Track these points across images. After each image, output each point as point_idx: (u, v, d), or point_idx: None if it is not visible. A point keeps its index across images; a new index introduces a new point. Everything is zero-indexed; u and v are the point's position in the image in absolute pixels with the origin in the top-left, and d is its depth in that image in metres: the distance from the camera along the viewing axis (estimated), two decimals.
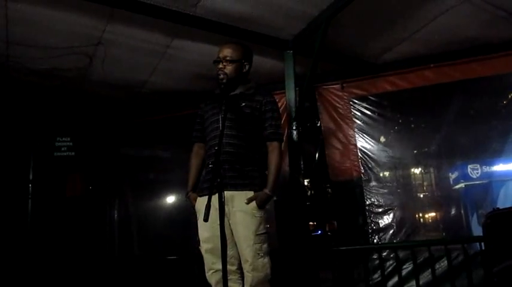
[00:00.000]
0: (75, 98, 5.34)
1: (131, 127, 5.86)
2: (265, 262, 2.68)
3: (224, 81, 2.77)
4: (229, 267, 2.60)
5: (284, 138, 3.20)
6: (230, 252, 2.67)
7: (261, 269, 2.66)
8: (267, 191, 2.72)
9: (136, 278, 5.01)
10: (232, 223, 2.70)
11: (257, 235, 2.67)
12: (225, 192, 2.57)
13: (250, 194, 2.71)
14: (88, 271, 5.13)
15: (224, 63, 2.82)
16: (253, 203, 2.69)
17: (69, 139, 5.57)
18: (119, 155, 5.99)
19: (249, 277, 2.67)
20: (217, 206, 2.41)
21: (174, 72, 4.86)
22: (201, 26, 3.93)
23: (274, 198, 2.83)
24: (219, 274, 2.68)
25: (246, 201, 2.68)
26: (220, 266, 2.55)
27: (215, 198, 2.41)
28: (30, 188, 5.45)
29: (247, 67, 2.89)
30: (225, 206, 2.57)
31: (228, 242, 2.65)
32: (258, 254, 2.66)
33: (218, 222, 2.41)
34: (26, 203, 5.40)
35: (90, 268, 5.16)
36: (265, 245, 2.70)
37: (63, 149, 5.55)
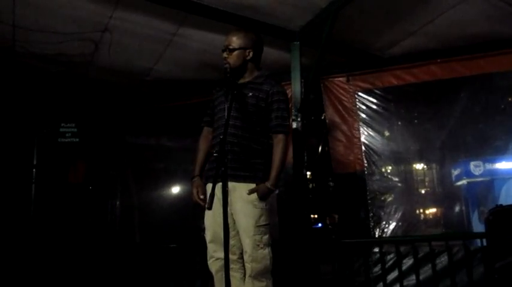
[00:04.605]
0: (80, 84, 5.33)
1: (136, 115, 5.86)
2: (265, 254, 2.66)
3: (228, 70, 2.77)
4: (230, 256, 2.58)
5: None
6: (232, 241, 2.65)
7: (260, 261, 2.65)
8: (268, 184, 2.69)
9: (137, 265, 5.04)
10: (234, 213, 2.70)
11: (257, 226, 2.67)
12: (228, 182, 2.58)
13: (252, 186, 2.69)
14: (89, 257, 5.16)
15: (228, 53, 2.82)
16: (255, 194, 2.68)
17: (73, 125, 5.57)
18: (123, 142, 6.00)
19: (248, 268, 2.67)
20: (220, 196, 2.40)
21: (180, 61, 4.84)
22: (207, 14, 3.92)
23: (276, 191, 2.79)
24: (220, 263, 2.69)
25: (247, 192, 2.67)
26: (221, 255, 2.58)
27: (219, 187, 2.40)
28: (34, 173, 5.47)
29: (250, 54, 2.83)
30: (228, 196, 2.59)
31: (230, 231, 2.64)
32: (258, 245, 2.65)
33: (220, 211, 2.41)
34: (30, 187, 5.43)
35: (92, 254, 5.19)
36: (265, 237, 2.69)
37: (67, 135, 5.55)
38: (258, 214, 2.68)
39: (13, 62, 4.78)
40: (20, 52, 4.58)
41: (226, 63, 2.79)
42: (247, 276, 2.69)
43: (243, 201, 2.68)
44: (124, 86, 5.49)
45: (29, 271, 4.92)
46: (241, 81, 2.84)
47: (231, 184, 2.59)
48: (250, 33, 2.90)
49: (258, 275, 2.66)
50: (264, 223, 2.70)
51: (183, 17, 4.00)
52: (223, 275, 2.64)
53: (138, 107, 5.83)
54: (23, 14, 3.95)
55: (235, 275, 2.71)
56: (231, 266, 2.63)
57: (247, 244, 2.67)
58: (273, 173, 2.71)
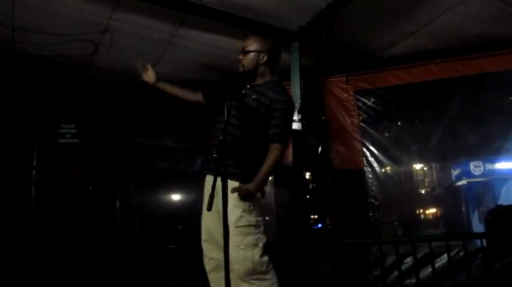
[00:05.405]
0: (80, 85, 5.34)
1: (135, 116, 5.86)
2: (246, 256, 2.60)
3: (240, 72, 2.80)
4: (221, 256, 2.57)
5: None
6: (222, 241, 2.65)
7: (241, 263, 2.60)
8: (249, 186, 2.65)
9: (137, 266, 5.03)
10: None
11: (237, 226, 2.62)
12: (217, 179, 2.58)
13: (237, 184, 2.67)
14: (88, 257, 5.15)
15: (243, 54, 2.84)
16: (236, 194, 2.65)
17: (73, 126, 5.58)
18: (122, 143, 6.01)
19: (232, 268, 2.61)
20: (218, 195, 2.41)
21: (180, 62, 4.84)
22: (207, 15, 3.91)
23: (258, 194, 2.71)
24: (214, 263, 2.71)
25: (230, 190, 2.61)
26: (214, 255, 2.65)
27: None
28: (33, 174, 5.47)
29: (265, 58, 2.83)
30: (218, 194, 2.59)
31: (220, 229, 2.54)
32: (238, 246, 2.60)
33: (215, 210, 2.44)
34: (30, 189, 5.43)
35: (91, 255, 5.19)
36: (249, 238, 2.63)
37: (67, 136, 5.57)
38: (237, 214, 2.64)
39: (13, 63, 4.79)
40: (19, 53, 4.59)
41: (241, 65, 2.83)
42: (235, 276, 2.65)
43: (228, 198, 2.66)
44: (124, 87, 5.49)
45: (29, 271, 4.92)
46: (252, 83, 2.84)
47: (218, 180, 2.55)
48: (267, 39, 2.94)
49: (241, 277, 2.62)
50: (245, 224, 2.64)
51: (183, 18, 4.00)
52: (217, 276, 2.65)
53: (138, 108, 5.83)
54: (22, 16, 3.95)
55: (230, 276, 2.69)
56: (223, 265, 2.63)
57: (230, 244, 2.63)
58: (258, 176, 2.67)
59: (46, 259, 5.06)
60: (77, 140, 5.57)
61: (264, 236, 2.72)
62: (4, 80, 5.00)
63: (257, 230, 2.68)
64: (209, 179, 2.73)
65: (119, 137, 6.00)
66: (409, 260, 4.33)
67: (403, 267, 4.31)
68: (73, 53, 4.55)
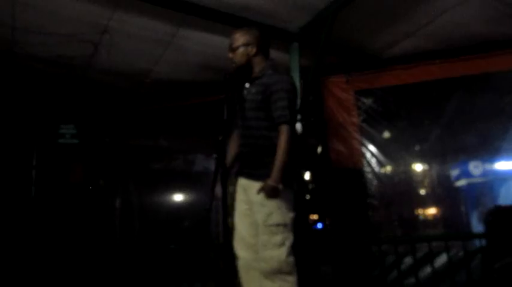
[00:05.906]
0: (79, 85, 5.34)
1: (134, 116, 5.87)
2: (273, 255, 2.59)
3: (235, 69, 2.80)
4: (253, 255, 2.67)
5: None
6: (253, 240, 2.67)
7: (267, 261, 2.60)
8: (269, 182, 2.57)
9: (137, 266, 5.04)
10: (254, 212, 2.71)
11: (264, 225, 2.62)
12: (243, 180, 2.66)
13: (261, 183, 2.64)
14: (89, 256, 5.16)
15: (232, 52, 2.83)
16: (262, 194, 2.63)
17: (73, 127, 5.60)
18: (122, 143, 6.01)
19: (260, 266, 2.65)
20: (238, 196, 2.52)
21: (179, 62, 4.85)
22: (207, 16, 3.92)
23: (280, 186, 2.58)
24: (242, 261, 2.73)
25: (257, 191, 2.63)
26: (241, 253, 2.69)
27: (241, 188, 2.55)
28: (33, 174, 5.48)
29: (254, 50, 2.80)
30: (246, 195, 2.69)
31: (250, 230, 2.69)
32: (265, 245, 2.60)
33: (241, 209, 2.57)
34: (29, 189, 5.44)
35: (91, 254, 5.20)
36: (276, 237, 2.60)
37: (66, 136, 5.58)
38: (265, 213, 2.62)
39: (12, 63, 4.79)
40: (19, 54, 4.59)
41: (233, 63, 2.81)
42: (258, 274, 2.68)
43: (255, 201, 2.67)
44: (123, 88, 5.50)
45: (30, 271, 4.92)
46: (251, 77, 2.83)
47: (246, 182, 2.69)
48: (251, 29, 2.90)
49: (268, 276, 2.62)
50: (273, 223, 2.61)
51: (182, 18, 4.01)
52: (247, 274, 2.70)
53: (138, 108, 5.84)
54: (22, 16, 3.96)
55: (254, 274, 2.69)
56: (253, 264, 2.67)
57: (259, 243, 2.65)
58: (274, 169, 2.58)
59: (46, 259, 5.06)
60: (77, 141, 5.59)
61: (291, 234, 2.67)
62: (4, 80, 5.01)
63: (285, 229, 2.64)
64: (240, 182, 2.75)
65: (118, 137, 6.01)
66: (408, 260, 4.34)
67: (403, 267, 4.31)
68: (73, 53, 4.56)
